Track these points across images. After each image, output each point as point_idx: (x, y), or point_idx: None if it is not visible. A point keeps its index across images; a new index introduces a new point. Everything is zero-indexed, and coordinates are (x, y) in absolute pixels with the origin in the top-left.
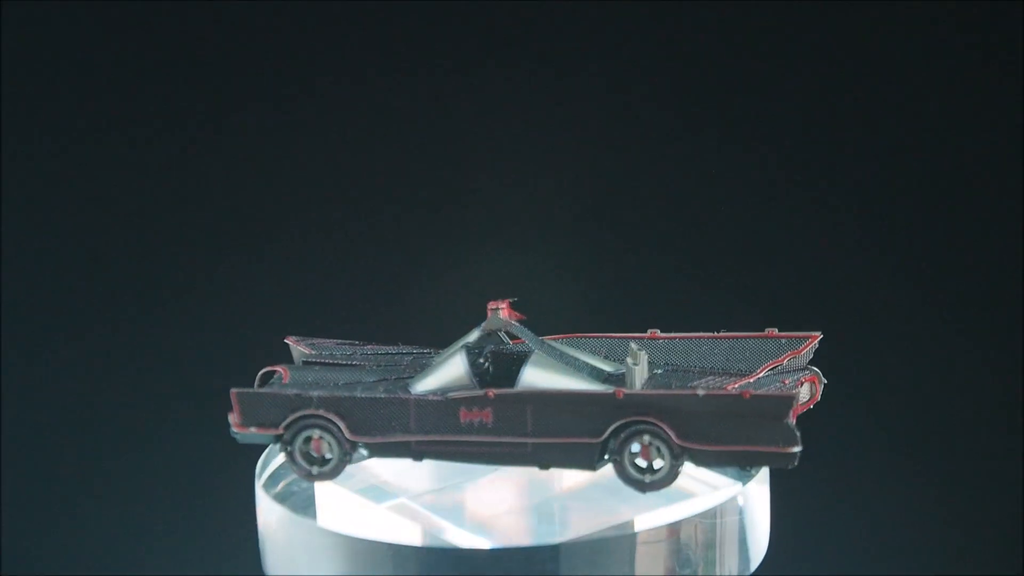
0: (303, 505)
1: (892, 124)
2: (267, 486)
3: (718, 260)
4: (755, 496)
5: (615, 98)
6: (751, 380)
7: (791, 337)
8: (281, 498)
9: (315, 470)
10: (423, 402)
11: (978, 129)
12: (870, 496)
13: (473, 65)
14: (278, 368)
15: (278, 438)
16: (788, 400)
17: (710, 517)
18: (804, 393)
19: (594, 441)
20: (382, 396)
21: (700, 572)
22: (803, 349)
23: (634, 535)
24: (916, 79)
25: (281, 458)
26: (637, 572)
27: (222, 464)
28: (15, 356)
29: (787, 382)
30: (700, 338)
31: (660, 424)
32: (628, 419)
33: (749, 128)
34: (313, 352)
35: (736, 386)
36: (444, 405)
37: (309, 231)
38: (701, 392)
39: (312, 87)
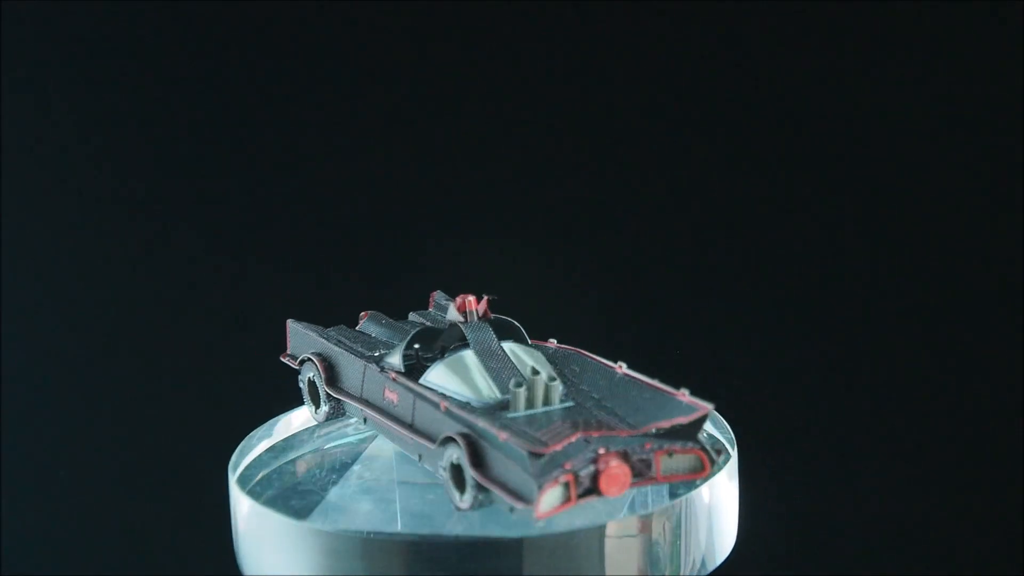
0: (275, 499)
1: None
2: (241, 481)
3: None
4: (722, 490)
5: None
6: (620, 435)
7: (689, 403)
8: (254, 493)
9: (315, 410)
10: (369, 370)
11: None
12: (838, 489)
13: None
14: (366, 313)
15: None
16: (523, 457)
17: (676, 511)
18: (681, 465)
19: (431, 447)
20: (347, 354)
21: (667, 565)
22: (688, 419)
23: (600, 528)
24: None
25: (255, 453)
26: (604, 565)
27: (196, 459)
28: (13, 354)
29: (648, 446)
30: (633, 379)
31: (463, 447)
32: (449, 434)
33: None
34: (430, 311)
35: (595, 435)
36: (378, 378)
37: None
38: (480, 424)
39: (308, 84)
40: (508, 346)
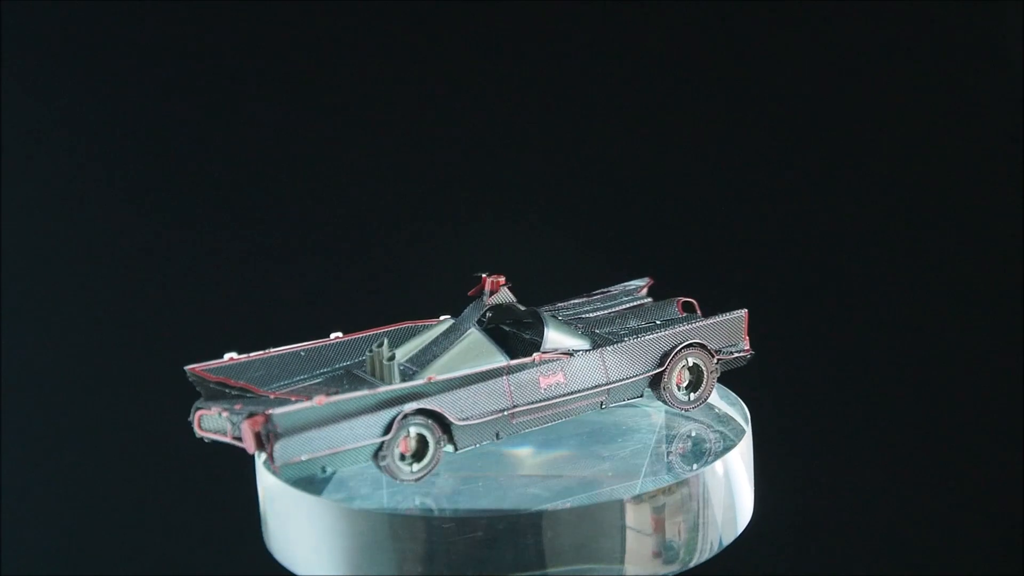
0: (299, 478)
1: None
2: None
3: None
4: (737, 464)
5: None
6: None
7: None
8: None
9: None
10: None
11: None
12: (852, 466)
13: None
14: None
15: None
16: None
17: (693, 485)
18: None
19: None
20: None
21: (684, 540)
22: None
23: (618, 502)
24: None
25: None
26: (623, 539)
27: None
28: (13, 352)
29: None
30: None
31: None
32: None
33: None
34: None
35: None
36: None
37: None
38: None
39: (305, 81)
40: (476, 332)
